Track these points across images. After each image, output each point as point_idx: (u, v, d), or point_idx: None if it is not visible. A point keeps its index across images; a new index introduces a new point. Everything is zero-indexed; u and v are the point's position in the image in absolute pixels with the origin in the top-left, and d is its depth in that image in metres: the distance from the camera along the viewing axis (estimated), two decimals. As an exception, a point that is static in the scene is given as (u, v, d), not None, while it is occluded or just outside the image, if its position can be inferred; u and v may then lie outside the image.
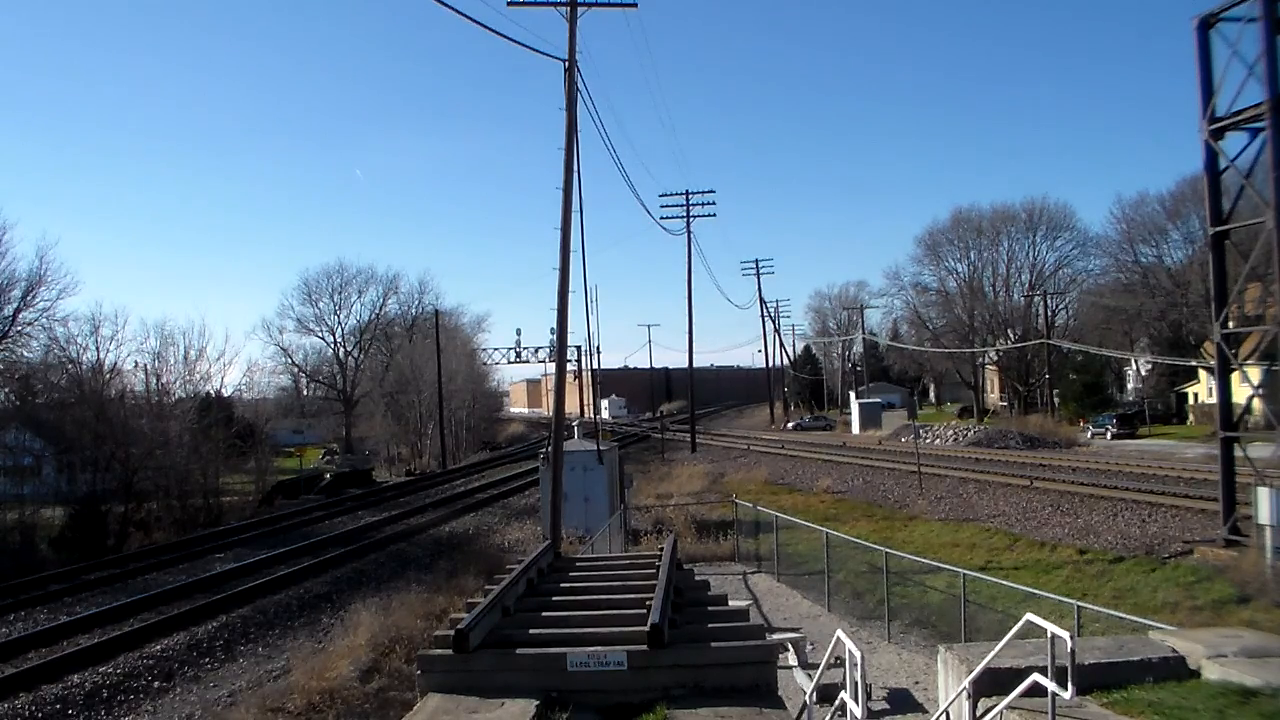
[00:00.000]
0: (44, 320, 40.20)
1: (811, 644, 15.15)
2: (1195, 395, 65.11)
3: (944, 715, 8.81)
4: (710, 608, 10.89)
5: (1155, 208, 69.01)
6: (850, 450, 55.17)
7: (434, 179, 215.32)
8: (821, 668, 10.22)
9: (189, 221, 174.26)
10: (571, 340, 36.09)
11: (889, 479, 38.79)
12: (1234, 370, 22.97)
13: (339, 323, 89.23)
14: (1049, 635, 6.95)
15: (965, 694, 8.03)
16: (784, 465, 48.55)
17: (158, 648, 16.86)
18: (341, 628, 17.34)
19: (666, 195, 64.30)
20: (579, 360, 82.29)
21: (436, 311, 71.98)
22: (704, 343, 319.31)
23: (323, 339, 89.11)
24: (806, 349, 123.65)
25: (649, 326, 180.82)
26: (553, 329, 25.17)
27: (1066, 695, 6.77)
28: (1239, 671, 8.34)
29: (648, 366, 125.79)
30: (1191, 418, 63.65)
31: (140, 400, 42.51)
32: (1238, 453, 21.88)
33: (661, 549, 13.30)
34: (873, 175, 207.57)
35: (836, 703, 9.39)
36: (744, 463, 51.76)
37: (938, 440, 60.25)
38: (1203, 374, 56.99)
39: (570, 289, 21.71)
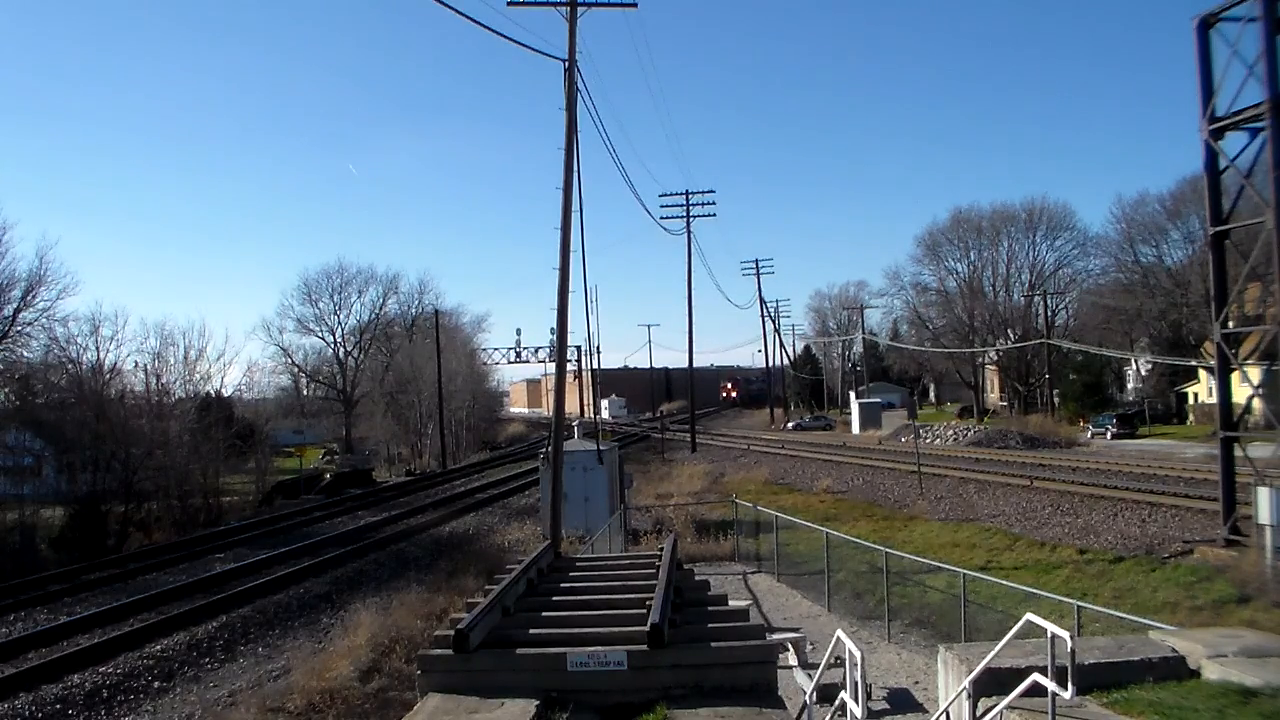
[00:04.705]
0: (44, 320, 40.34)
1: (811, 644, 15.15)
2: (1195, 395, 65.12)
3: (944, 715, 8.82)
4: (710, 608, 10.88)
5: (1155, 208, 69.15)
6: (850, 450, 55.16)
7: (434, 179, 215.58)
8: (821, 668, 10.23)
9: (189, 221, 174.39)
10: (571, 340, 36.11)
11: (889, 479, 38.79)
12: (1234, 370, 22.98)
13: (339, 323, 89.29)
14: (1049, 635, 6.96)
15: (965, 694, 8.03)
16: (784, 465, 48.56)
17: (158, 648, 16.86)
18: (341, 628, 17.34)
19: (666, 195, 64.32)
20: (579, 360, 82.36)
21: (436, 311, 71.96)
22: (704, 343, 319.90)
23: (323, 339, 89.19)
24: (806, 349, 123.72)
25: (649, 326, 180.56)
26: (553, 329, 25.18)
27: (1066, 695, 6.77)
28: (1239, 671, 8.34)
29: (648, 366, 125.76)
30: (1191, 418, 63.65)
31: (140, 400, 42.54)
32: (1238, 453, 21.88)
33: (661, 549, 13.29)
34: (873, 175, 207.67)
35: (836, 703, 9.41)
36: (744, 463, 51.75)
37: (938, 440, 60.24)
38: (1203, 374, 56.99)
39: (570, 289, 21.68)
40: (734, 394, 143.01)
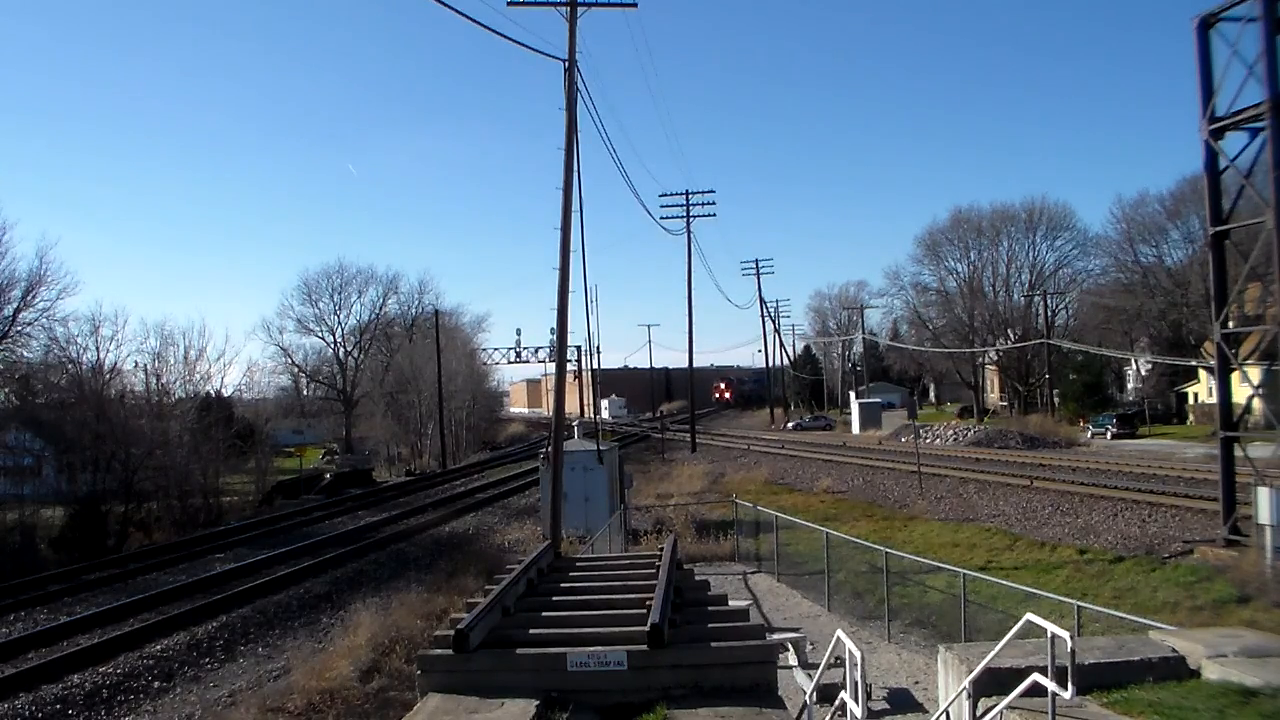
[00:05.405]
0: (44, 320, 40.38)
1: (811, 644, 15.15)
2: (1195, 395, 65.13)
3: (944, 715, 8.81)
4: (710, 608, 10.88)
5: (1155, 208, 69.12)
6: (850, 450, 55.16)
7: (434, 179, 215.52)
8: (821, 668, 10.23)
9: (189, 221, 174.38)
10: (571, 340, 36.08)
11: (889, 479, 38.79)
12: (1234, 370, 22.97)
13: (339, 323, 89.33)
14: (1049, 635, 6.95)
15: (965, 694, 8.03)
16: (784, 465, 48.55)
17: (158, 648, 16.86)
18: (341, 628, 17.34)
19: (666, 195, 64.27)
20: (579, 360, 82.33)
21: (436, 311, 71.98)
22: (704, 343, 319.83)
23: (323, 339, 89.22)
24: (806, 349, 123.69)
25: (649, 326, 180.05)
26: (553, 329, 25.17)
27: (1066, 695, 6.77)
28: (1239, 671, 8.34)
29: (648, 366, 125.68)
30: (1191, 418, 63.66)
31: (140, 400, 42.56)
32: (1238, 453, 21.89)
33: (661, 549, 13.30)
34: (873, 175, 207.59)
35: (836, 703, 9.40)
36: (744, 463, 51.74)
37: (938, 440, 60.24)
38: (1203, 374, 57.00)
39: (570, 289, 21.66)
40: (727, 395, 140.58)
